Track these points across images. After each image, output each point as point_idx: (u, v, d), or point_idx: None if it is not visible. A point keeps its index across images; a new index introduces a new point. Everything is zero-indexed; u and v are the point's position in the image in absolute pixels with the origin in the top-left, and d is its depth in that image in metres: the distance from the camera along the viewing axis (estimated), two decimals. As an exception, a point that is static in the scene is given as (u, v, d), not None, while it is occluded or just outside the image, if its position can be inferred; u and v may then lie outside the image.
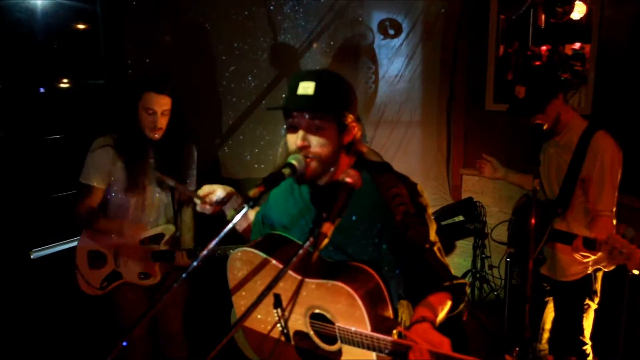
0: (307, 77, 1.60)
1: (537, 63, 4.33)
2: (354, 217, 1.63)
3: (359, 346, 1.48)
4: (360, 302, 1.46)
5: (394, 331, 1.49)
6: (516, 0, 4.22)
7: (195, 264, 1.38)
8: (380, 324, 1.50)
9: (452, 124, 4.84)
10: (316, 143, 1.59)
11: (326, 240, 1.35)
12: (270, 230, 1.87)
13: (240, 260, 1.73)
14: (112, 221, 2.78)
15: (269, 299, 1.66)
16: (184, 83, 3.90)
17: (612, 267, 2.63)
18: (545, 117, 2.60)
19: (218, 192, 1.95)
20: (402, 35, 4.64)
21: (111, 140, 2.73)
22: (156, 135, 2.69)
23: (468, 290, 1.70)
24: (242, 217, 1.43)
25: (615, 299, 3.04)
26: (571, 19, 3.99)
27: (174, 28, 4.17)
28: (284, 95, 1.69)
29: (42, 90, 3.75)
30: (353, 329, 1.48)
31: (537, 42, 4.32)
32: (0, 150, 3.41)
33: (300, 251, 1.35)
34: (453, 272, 1.68)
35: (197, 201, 1.96)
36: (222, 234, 1.40)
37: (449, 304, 1.60)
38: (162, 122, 2.67)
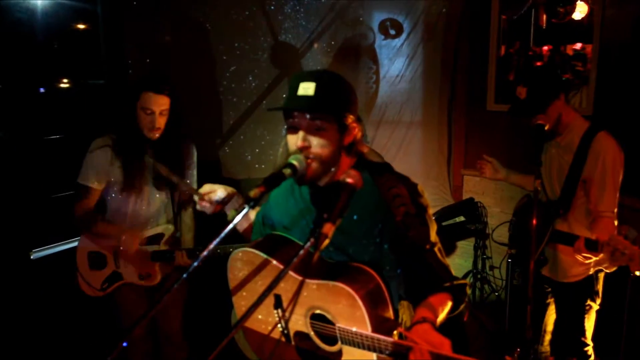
0: (307, 77, 1.59)
1: (539, 63, 4.33)
2: (355, 217, 1.63)
3: (359, 347, 1.48)
4: (360, 303, 1.46)
5: (395, 332, 1.49)
6: (517, 0, 4.22)
7: (195, 264, 1.37)
8: (381, 324, 1.49)
9: (453, 124, 4.83)
10: (317, 144, 1.59)
11: (327, 241, 1.35)
12: (270, 231, 1.87)
13: (241, 260, 1.72)
14: (111, 226, 2.78)
15: (270, 300, 1.66)
16: (185, 83, 3.91)
17: (614, 269, 2.63)
18: (547, 117, 2.59)
19: (219, 191, 1.95)
20: (403, 36, 4.64)
21: (110, 141, 2.73)
22: (155, 135, 2.69)
23: (469, 290, 1.69)
24: (242, 217, 1.43)
25: (616, 299, 3.03)
26: (573, 19, 3.98)
27: (174, 28, 4.17)
28: (284, 96, 1.68)
29: (42, 90, 3.75)
30: (353, 329, 1.47)
31: (539, 42, 4.31)
32: (0, 150, 3.41)
33: (301, 252, 1.35)
34: (454, 272, 1.67)
35: (196, 198, 1.96)
36: (222, 235, 1.39)
37: (449, 304, 1.60)
38: (161, 122, 2.67)
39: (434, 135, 4.84)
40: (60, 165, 3.40)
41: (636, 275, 2.30)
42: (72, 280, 2.84)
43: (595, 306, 2.74)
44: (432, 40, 4.65)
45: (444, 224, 4.34)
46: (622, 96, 3.73)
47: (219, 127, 4.49)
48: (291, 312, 1.62)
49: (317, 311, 1.58)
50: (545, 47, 4.30)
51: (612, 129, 2.62)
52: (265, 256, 1.65)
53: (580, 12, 3.94)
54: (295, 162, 1.55)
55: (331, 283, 1.51)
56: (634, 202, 3.19)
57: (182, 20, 4.19)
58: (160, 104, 2.64)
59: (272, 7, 4.37)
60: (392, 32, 4.64)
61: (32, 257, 3.41)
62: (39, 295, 3.38)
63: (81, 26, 3.90)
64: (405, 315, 1.69)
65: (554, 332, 3.00)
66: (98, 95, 3.87)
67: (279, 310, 1.66)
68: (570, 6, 3.95)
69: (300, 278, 1.54)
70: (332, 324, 1.54)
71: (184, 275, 1.37)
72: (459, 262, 4.71)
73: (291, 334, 1.67)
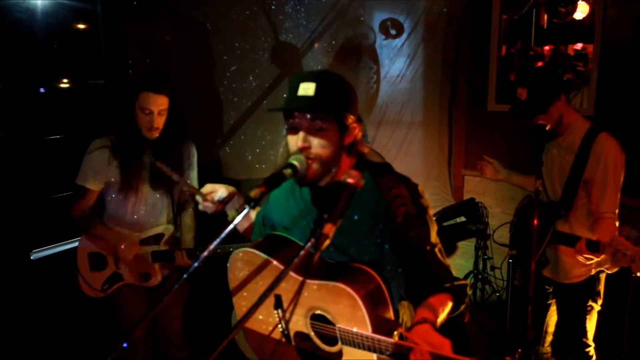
0: (307, 78, 1.59)
1: (540, 63, 4.32)
2: (355, 217, 1.62)
3: (359, 347, 1.47)
4: (361, 303, 1.46)
5: (395, 332, 1.49)
6: (519, 0, 4.21)
7: (196, 264, 1.37)
8: (381, 325, 1.49)
9: (454, 124, 4.83)
10: (317, 144, 1.59)
11: (328, 241, 1.34)
12: (271, 231, 1.86)
13: (241, 260, 1.72)
14: (109, 231, 2.77)
15: (270, 300, 1.66)
16: (185, 83, 3.90)
17: (615, 269, 2.62)
18: (548, 118, 2.58)
19: (220, 191, 1.95)
20: (404, 35, 4.63)
21: (108, 142, 2.72)
22: (153, 135, 2.68)
23: (469, 291, 1.69)
24: (243, 217, 1.43)
25: (618, 300, 3.03)
26: (574, 19, 3.98)
27: (174, 28, 4.16)
28: (285, 96, 1.68)
29: (42, 90, 3.75)
30: (354, 330, 1.47)
31: (540, 42, 4.30)
32: (0, 150, 3.40)
33: (302, 252, 1.34)
34: (455, 273, 1.67)
35: (199, 199, 1.95)
36: (223, 235, 1.39)
37: (450, 305, 1.60)
38: (159, 121, 2.66)
39: (435, 136, 4.83)
40: (60, 166, 3.39)
41: (638, 276, 2.29)
42: (72, 281, 2.84)
43: (597, 307, 2.74)
44: (433, 40, 4.64)
45: (444, 224, 4.33)
46: (623, 96, 3.72)
47: (219, 127, 4.49)
48: (291, 313, 1.62)
49: (318, 311, 1.58)
50: (547, 47, 4.29)
51: (613, 129, 2.62)
52: (265, 256, 1.65)
53: (581, 11, 3.94)
54: (295, 163, 1.55)
55: (332, 283, 1.51)
56: (636, 202, 3.18)
57: (182, 20, 4.19)
58: (159, 103, 2.64)
59: (273, 7, 4.37)
60: (393, 32, 4.63)
61: (32, 257, 3.41)
62: (38, 296, 3.38)
63: (81, 26, 3.89)
64: (405, 316, 1.69)
65: (555, 333, 2.99)
66: (98, 95, 3.87)
67: (279, 311, 1.65)
68: (571, 6, 3.94)
69: (300, 278, 1.54)
70: (333, 324, 1.54)
71: (185, 276, 1.37)
72: (460, 263, 4.70)
73: (291, 334, 1.67)
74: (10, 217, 3.33)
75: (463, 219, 4.47)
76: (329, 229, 1.35)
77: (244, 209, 1.43)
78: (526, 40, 4.39)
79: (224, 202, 1.95)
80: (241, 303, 1.77)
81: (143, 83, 2.65)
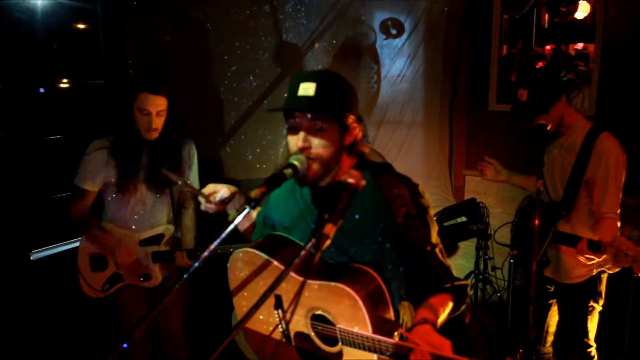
0: (307, 78, 1.59)
1: (541, 64, 4.31)
2: (356, 216, 1.62)
3: (360, 348, 1.47)
4: (361, 304, 1.45)
5: (395, 333, 1.48)
6: (519, -1, 4.21)
7: (196, 264, 1.36)
8: (382, 325, 1.49)
9: (454, 124, 4.81)
10: (317, 144, 1.58)
11: (328, 242, 1.33)
12: (271, 231, 1.86)
13: (242, 260, 1.72)
14: (106, 235, 2.77)
15: (270, 300, 1.66)
16: (185, 83, 3.91)
17: (617, 270, 2.61)
18: (549, 118, 2.58)
19: (222, 191, 1.94)
20: (405, 35, 4.62)
21: (107, 143, 2.72)
22: (152, 136, 2.68)
23: (470, 291, 1.68)
24: (244, 217, 1.42)
25: (619, 300, 3.02)
26: (575, 19, 3.97)
27: (174, 28, 4.16)
28: (285, 96, 1.67)
29: (42, 90, 3.75)
30: (354, 330, 1.47)
31: (541, 42, 4.30)
32: (0, 150, 3.40)
33: (302, 252, 1.34)
34: (456, 273, 1.67)
35: (202, 200, 1.95)
36: (223, 235, 1.38)
37: (450, 305, 1.59)
38: (157, 122, 2.65)
39: (436, 136, 4.82)
40: (60, 166, 3.39)
41: (639, 277, 2.28)
42: (72, 281, 2.84)
43: (598, 307, 2.73)
44: (434, 40, 4.63)
45: (445, 224, 4.32)
46: (624, 96, 3.71)
47: (220, 127, 4.48)
48: (292, 313, 1.61)
49: (318, 312, 1.58)
50: (548, 47, 4.28)
51: (614, 129, 2.61)
52: (266, 257, 1.65)
53: (582, 11, 3.93)
54: (296, 163, 1.55)
55: (332, 284, 1.50)
56: (637, 202, 3.17)
57: (182, 20, 4.19)
58: (157, 104, 2.63)
59: (270, 6, 4.36)
60: (394, 31, 4.63)
61: (31, 257, 3.41)
62: (38, 296, 3.37)
63: (81, 26, 3.90)
64: (406, 316, 1.69)
65: (556, 333, 2.99)
66: (98, 95, 3.87)
67: (280, 311, 1.65)
68: (572, 5, 3.94)
69: (301, 279, 1.54)
70: (333, 324, 1.54)
71: (185, 276, 1.36)
72: (461, 263, 4.70)
73: (292, 334, 1.67)
74: (10, 217, 3.33)
75: (464, 219, 4.46)
76: (330, 229, 1.34)
77: (245, 209, 1.43)
78: (527, 40, 4.38)
79: (226, 202, 1.95)
80: (241, 303, 1.77)
81: (141, 84, 2.64)
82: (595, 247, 2.41)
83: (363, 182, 1.47)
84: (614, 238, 2.32)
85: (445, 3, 4.54)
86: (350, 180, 1.46)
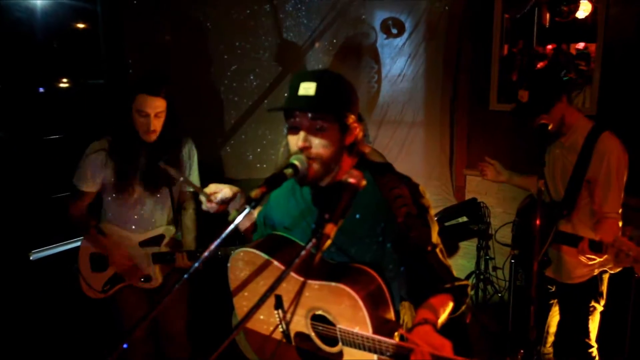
0: (308, 77, 1.59)
1: (542, 63, 4.31)
2: (357, 216, 1.62)
3: (360, 348, 1.47)
4: (362, 304, 1.45)
5: (396, 333, 1.48)
6: (520, -1, 4.21)
7: (196, 265, 1.36)
8: (382, 326, 1.48)
9: (455, 124, 4.81)
10: (318, 144, 1.58)
11: (329, 242, 1.33)
12: (271, 231, 1.86)
13: (242, 260, 1.72)
14: (104, 239, 2.77)
15: (271, 300, 1.65)
16: (185, 83, 3.90)
17: (618, 269, 2.61)
18: (550, 118, 2.57)
19: (224, 191, 1.94)
20: (405, 35, 4.62)
21: (106, 144, 2.71)
22: (151, 138, 2.66)
23: (471, 292, 1.68)
24: (244, 217, 1.42)
25: (621, 300, 3.01)
26: (576, 18, 3.97)
27: (174, 28, 4.16)
28: (285, 95, 1.67)
29: (42, 90, 3.75)
30: (354, 330, 1.46)
31: (542, 41, 4.29)
32: (0, 150, 3.40)
33: (303, 252, 1.33)
34: (456, 273, 1.67)
35: (203, 199, 1.94)
36: (223, 236, 1.38)
37: (450, 305, 1.59)
38: (156, 124, 2.64)
39: (436, 135, 4.82)
40: (60, 166, 3.39)
41: (641, 276, 2.28)
42: (71, 281, 2.83)
43: (600, 307, 2.72)
44: (434, 40, 4.63)
45: (446, 224, 4.32)
46: (626, 96, 3.71)
47: (220, 127, 4.48)
48: (292, 313, 1.61)
49: (318, 312, 1.57)
50: (549, 46, 4.28)
51: (616, 128, 2.61)
52: (266, 257, 1.64)
53: (583, 10, 3.93)
54: (296, 163, 1.54)
55: (332, 284, 1.50)
56: (639, 202, 3.17)
57: (182, 20, 4.18)
58: (156, 106, 2.61)
59: (273, 6, 4.36)
60: (394, 31, 4.62)
61: (31, 257, 3.41)
62: (38, 296, 3.37)
63: (81, 26, 3.90)
64: (406, 317, 1.69)
65: (557, 334, 2.98)
66: (98, 95, 3.87)
67: (280, 311, 1.65)
68: (573, 5, 3.93)
69: (301, 279, 1.54)
70: (333, 325, 1.53)
71: (185, 276, 1.36)
72: (462, 263, 4.69)
73: (292, 334, 1.66)
74: (10, 217, 3.33)
75: (465, 219, 4.45)
76: (331, 229, 1.34)
77: (245, 209, 1.42)
78: (528, 39, 4.38)
79: (228, 202, 1.94)
80: (242, 303, 1.77)
81: (140, 85, 2.62)
82: (596, 247, 2.41)
83: (364, 182, 1.46)
84: (615, 238, 2.31)
85: (446, 2, 4.54)
86: (351, 180, 1.46)
